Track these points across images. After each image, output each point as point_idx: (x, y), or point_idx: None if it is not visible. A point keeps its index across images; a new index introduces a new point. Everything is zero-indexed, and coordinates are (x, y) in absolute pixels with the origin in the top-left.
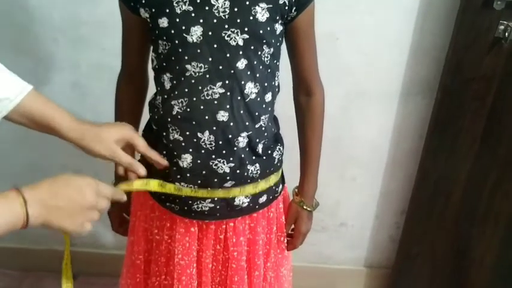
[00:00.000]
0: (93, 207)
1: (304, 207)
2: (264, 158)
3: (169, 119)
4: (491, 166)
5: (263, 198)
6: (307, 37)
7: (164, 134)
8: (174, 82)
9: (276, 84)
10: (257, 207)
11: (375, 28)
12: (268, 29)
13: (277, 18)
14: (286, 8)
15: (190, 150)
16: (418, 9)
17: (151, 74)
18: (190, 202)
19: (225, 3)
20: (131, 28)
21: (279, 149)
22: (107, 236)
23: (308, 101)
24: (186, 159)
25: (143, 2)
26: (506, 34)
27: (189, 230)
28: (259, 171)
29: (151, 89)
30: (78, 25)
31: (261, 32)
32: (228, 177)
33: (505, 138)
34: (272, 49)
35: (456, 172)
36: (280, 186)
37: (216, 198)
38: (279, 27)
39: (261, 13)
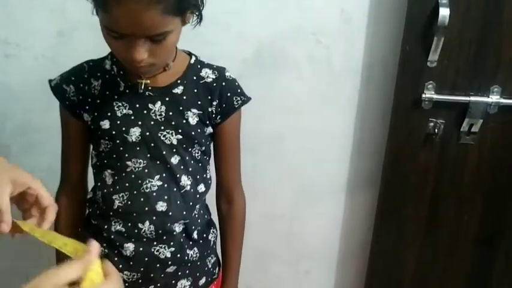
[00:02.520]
0: None
1: None
2: (201, 241)
3: (111, 213)
4: (437, 254)
5: (202, 281)
6: (230, 144)
7: (106, 227)
8: (116, 177)
9: (208, 176)
10: None
11: (319, 126)
12: (199, 130)
13: (207, 122)
14: (213, 115)
15: (133, 239)
16: (357, 108)
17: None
18: None
19: (161, 108)
20: (74, 134)
21: (213, 231)
22: None
23: (229, 208)
24: (129, 248)
25: (87, 107)
26: (436, 130)
27: None
28: (198, 254)
29: None
30: (30, 131)
31: (193, 133)
32: (169, 262)
33: (447, 226)
34: (203, 147)
35: (404, 262)
36: (217, 268)
37: (159, 284)
38: (208, 129)
39: (192, 117)
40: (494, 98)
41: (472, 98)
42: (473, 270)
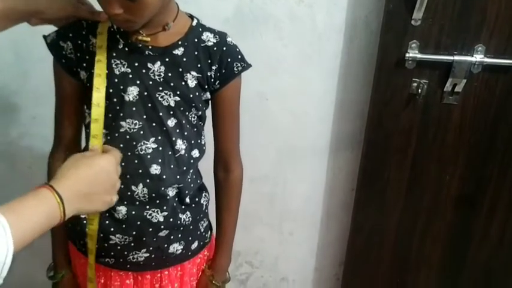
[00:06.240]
0: (117, 180)
1: (214, 282)
2: (193, 205)
3: None
4: (418, 214)
5: (195, 245)
6: (229, 111)
7: None
8: (109, 137)
9: (203, 142)
10: (190, 253)
11: (301, 87)
12: (197, 94)
13: (205, 87)
14: (212, 79)
15: (125, 202)
16: (340, 68)
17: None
18: (126, 253)
19: (160, 68)
20: (68, 94)
21: (205, 195)
22: None
23: (226, 177)
24: (121, 211)
25: (84, 65)
26: (419, 90)
27: (125, 283)
28: (190, 219)
29: None
30: (8, 95)
31: (191, 96)
32: (162, 226)
33: (428, 186)
34: (200, 112)
35: (386, 222)
36: (209, 232)
37: (151, 248)
38: (205, 95)
39: (191, 80)
40: (478, 57)
41: (456, 58)
42: (454, 230)
